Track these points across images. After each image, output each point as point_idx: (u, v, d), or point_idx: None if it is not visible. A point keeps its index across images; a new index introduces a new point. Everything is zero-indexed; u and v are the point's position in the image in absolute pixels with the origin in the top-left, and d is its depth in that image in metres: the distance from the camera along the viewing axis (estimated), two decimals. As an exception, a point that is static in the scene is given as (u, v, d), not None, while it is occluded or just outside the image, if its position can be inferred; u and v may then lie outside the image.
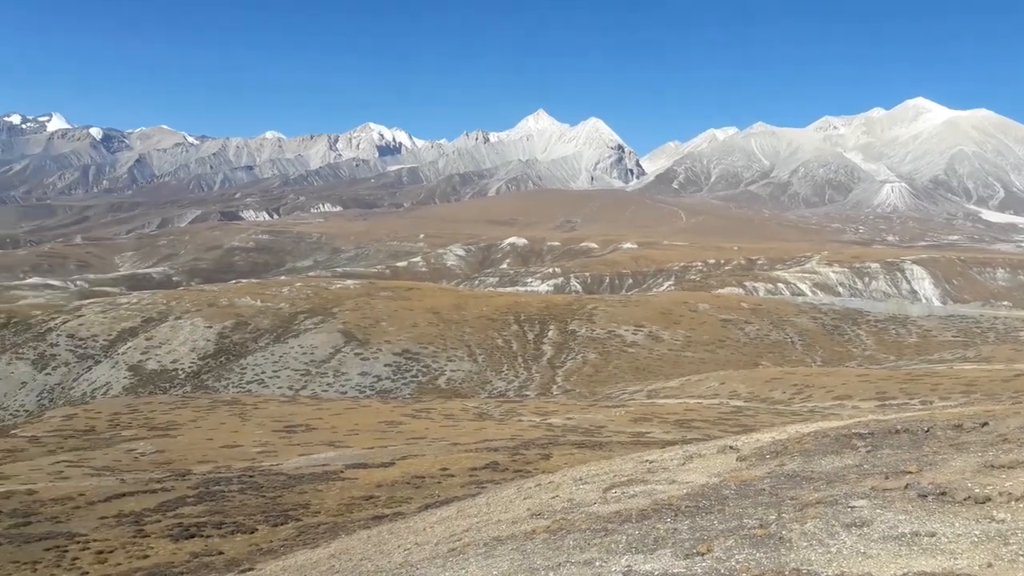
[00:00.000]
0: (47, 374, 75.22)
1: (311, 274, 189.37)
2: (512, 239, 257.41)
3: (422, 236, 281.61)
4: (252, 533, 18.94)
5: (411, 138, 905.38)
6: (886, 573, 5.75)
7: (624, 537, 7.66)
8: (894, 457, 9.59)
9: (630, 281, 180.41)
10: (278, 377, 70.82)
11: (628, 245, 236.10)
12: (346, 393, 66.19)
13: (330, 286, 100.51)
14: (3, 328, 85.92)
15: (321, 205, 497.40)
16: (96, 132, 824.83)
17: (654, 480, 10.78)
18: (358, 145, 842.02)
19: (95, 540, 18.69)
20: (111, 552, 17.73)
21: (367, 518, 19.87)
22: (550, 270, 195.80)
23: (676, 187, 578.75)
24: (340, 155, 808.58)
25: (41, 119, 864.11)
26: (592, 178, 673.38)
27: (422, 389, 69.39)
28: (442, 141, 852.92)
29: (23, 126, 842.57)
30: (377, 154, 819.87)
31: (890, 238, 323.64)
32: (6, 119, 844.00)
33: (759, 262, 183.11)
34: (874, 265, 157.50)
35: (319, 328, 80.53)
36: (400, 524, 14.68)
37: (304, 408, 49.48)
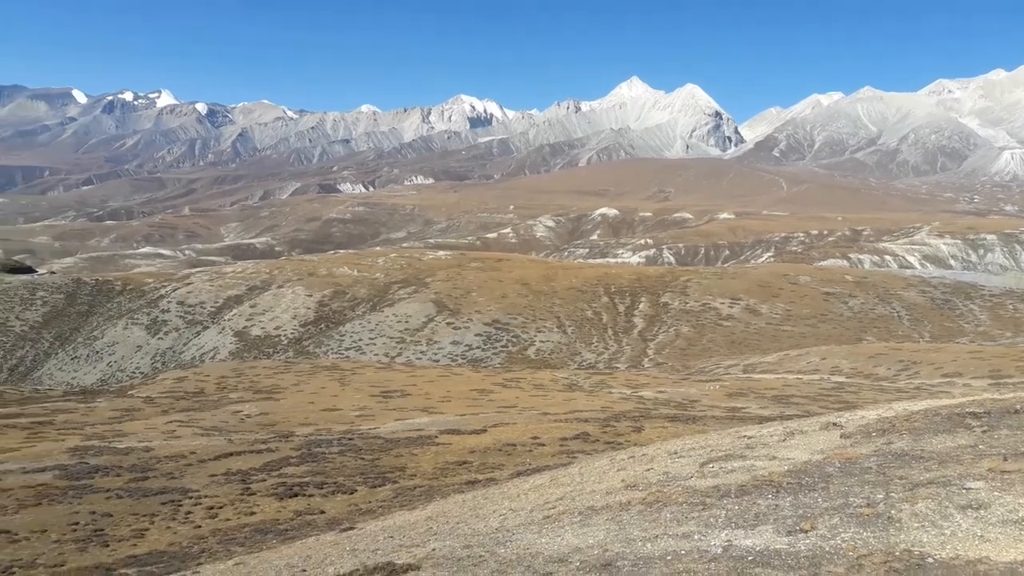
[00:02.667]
0: (159, 339, 79.68)
1: (404, 245, 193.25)
2: (603, 210, 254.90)
3: (512, 207, 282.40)
4: (352, 494, 19.61)
5: (502, 109, 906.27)
6: (1005, 558, 5.45)
7: (723, 512, 7.54)
8: (1013, 438, 9.04)
9: (726, 252, 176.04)
10: (374, 344, 72.81)
11: (725, 215, 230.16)
12: (438, 361, 67.49)
13: (423, 257, 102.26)
14: (120, 295, 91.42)
15: (414, 177, 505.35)
16: (202, 107, 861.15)
17: (753, 456, 10.53)
18: (450, 117, 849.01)
19: (206, 496, 19.76)
20: (221, 508, 18.71)
21: (461, 483, 20.23)
22: (642, 241, 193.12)
23: (777, 155, 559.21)
24: (432, 127, 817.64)
25: (151, 95, 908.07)
26: (687, 146, 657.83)
27: (512, 359, 70.02)
28: (533, 111, 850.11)
29: (135, 103, 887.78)
30: (468, 126, 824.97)
31: (1008, 208, 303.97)
32: (120, 96, 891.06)
33: (865, 233, 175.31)
34: (990, 237, 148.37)
35: (412, 298, 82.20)
36: (494, 490, 14.88)
37: (399, 374, 50.73)
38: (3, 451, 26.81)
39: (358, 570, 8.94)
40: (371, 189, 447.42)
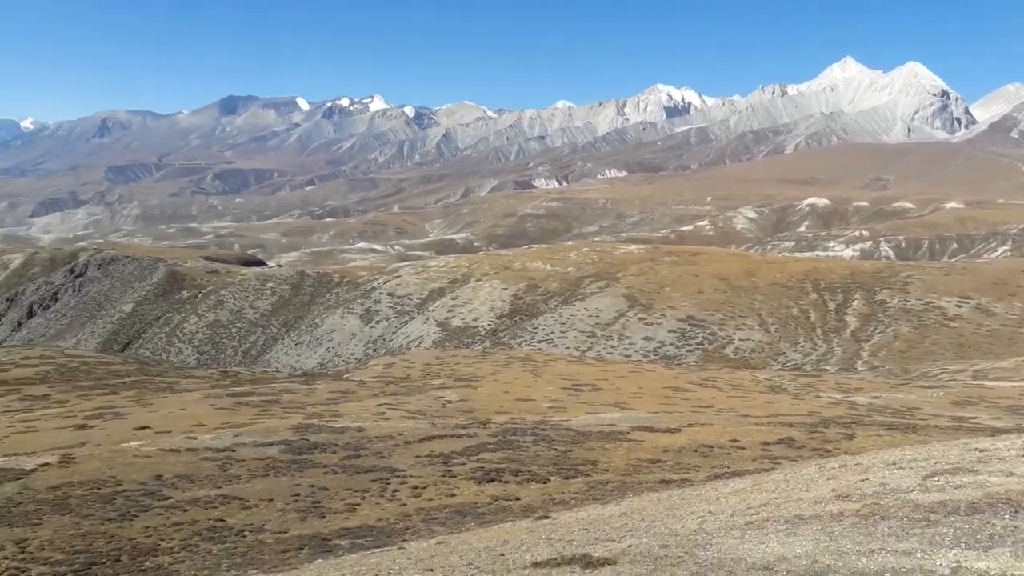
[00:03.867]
0: (371, 327, 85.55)
1: (596, 239, 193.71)
2: (811, 199, 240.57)
3: (709, 199, 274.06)
4: (545, 483, 19.90)
5: (700, 97, 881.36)
6: None
7: (951, 530, 6.86)
8: None
9: (954, 246, 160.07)
10: (566, 337, 73.60)
11: (952, 205, 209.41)
12: (630, 356, 66.93)
13: (615, 251, 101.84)
14: (337, 286, 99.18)
15: (607, 170, 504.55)
16: (409, 111, 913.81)
17: (986, 471, 9.43)
18: (645, 108, 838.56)
19: (411, 476, 20.88)
20: (424, 488, 19.69)
21: (654, 481, 19.90)
22: (856, 233, 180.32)
23: (1016, 136, 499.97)
24: (627, 119, 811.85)
25: (365, 101, 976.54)
26: (909, 129, 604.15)
27: (708, 357, 67.91)
28: (734, 98, 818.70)
29: (350, 108, 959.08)
30: (664, 116, 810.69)
31: None
32: (337, 103, 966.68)
33: None
34: None
35: (604, 292, 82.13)
36: (690, 491, 14.46)
37: (590, 368, 50.87)
38: (237, 425, 29.95)
39: (555, 559, 9.00)
40: (564, 184, 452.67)
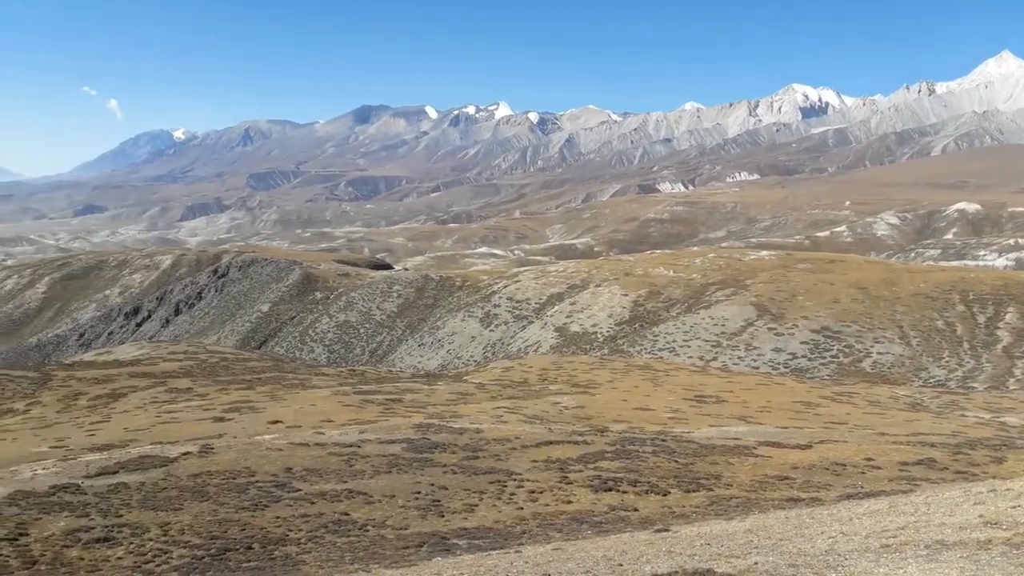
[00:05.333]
0: (490, 331, 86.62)
1: (723, 245, 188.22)
2: (960, 204, 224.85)
3: (847, 203, 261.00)
4: (665, 495, 19.40)
5: (839, 96, 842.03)
6: None
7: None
8: None
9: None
10: (688, 347, 71.84)
11: None
12: (758, 368, 64.51)
13: (743, 257, 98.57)
14: (459, 290, 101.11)
15: (737, 174, 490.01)
16: (533, 116, 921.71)
17: None
18: (779, 109, 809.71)
19: (528, 480, 20.87)
20: (541, 493, 19.63)
21: (781, 499, 19.06)
22: (1011, 241, 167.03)
23: None
24: (759, 120, 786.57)
25: (490, 108, 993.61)
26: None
27: (843, 371, 64.48)
28: (876, 97, 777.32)
29: (476, 115, 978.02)
30: (800, 116, 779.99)
31: None
32: (464, 110, 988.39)
33: None
34: None
35: (731, 300, 79.60)
36: (821, 510, 13.71)
37: (714, 379, 49.39)
38: (363, 422, 30.97)
39: (675, 572, 8.78)
40: (691, 188, 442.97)
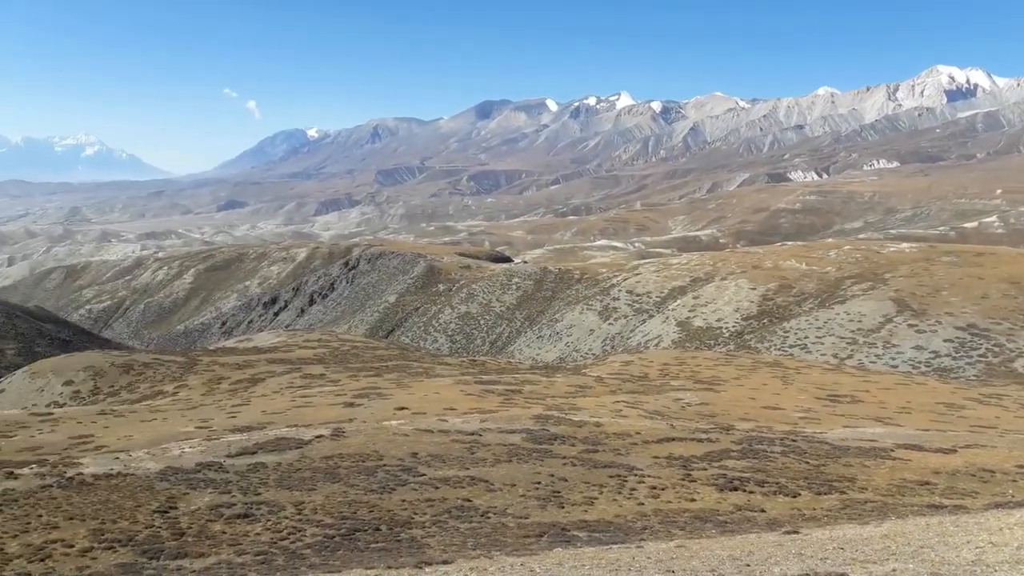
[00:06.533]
0: (609, 324, 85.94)
1: (860, 236, 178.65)
2: None
3: (999, 191, 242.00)
4: (794, 497, 18.66)
5: (990, 77, 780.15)
6: None
7: None
8: None
9: None
10: (821, 343, 68.68)
11: None
12: (896, 367, 60.89)
13: (882, 250, 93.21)
14: (577, 283, 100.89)
15: (875, 161, 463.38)
16: (656, 105, 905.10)
17: None
18: (922, 92, 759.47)
19: (649, 476, 20.58)
20: (663, 490, 19.31)
21: (921, 505, 17.96)
22: None
23: None
24: (900, 105, 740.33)
25: (611, 98, 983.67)
26: None
27: (992, 371, 59.85)
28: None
29: (597, 106, 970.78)
30: (945, 100, 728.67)
31: None
32: (584, 102, 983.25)
33: None
34: None
35: (868, 295, 75.47)
36: (966, 519, 12.82)
37: (849, 378, 47.07)
38: (484, 411, 31.48)
39: (807, 575, 8.48)
40: (824, 176, 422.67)
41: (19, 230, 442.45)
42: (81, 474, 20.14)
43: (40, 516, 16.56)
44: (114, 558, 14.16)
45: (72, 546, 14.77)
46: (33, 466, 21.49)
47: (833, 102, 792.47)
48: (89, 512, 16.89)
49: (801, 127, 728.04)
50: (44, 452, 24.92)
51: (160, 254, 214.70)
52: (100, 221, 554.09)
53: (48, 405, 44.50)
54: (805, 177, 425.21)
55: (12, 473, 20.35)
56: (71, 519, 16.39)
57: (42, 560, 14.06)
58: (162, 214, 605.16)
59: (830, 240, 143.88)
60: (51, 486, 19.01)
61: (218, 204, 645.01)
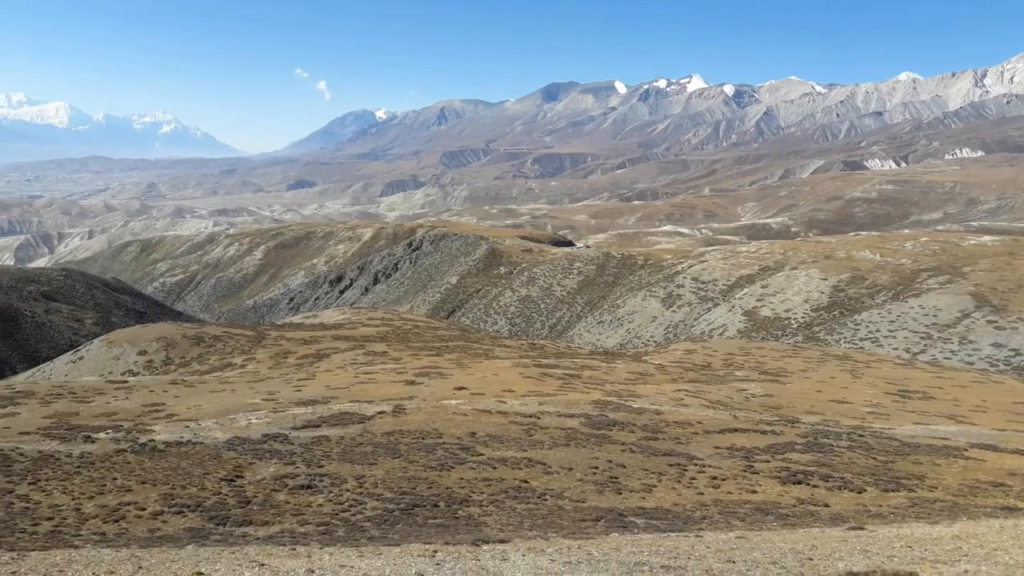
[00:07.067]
0: (672, 311, 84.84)
1: (939, 228, 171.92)
2: None
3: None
4: (860, 493, 18.14)
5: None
6: None
7: None
8: None
9: None
10: (893, 337, 66.47)
11: None
12: (973, 364, 58.54)
13: (961, 242, 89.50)
14: (640, 269, 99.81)
15: (957, 150, 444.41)
16: (728, 89, 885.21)
17: None
18: (1011, 78, 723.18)
19: (709, 466, 20.27)
20: (723, 480, 19.00)
21: (995, 506, 17.26)
22: None
23: None
24: (987, 92, 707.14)
25: (682, 81, 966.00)
26: None
27: (1077, 371, 57.00)
28: None
29: (667, 89, 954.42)
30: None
31: None
32: (654, 84, 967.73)
33: None
34: None
35: (944, 288, 72.66)
36: (1046, 525, 12.24)
37: (921, 374, 45.47)
38: (542, 395, 31.48)
39: (873, 572, 8.26)
40: (903, 165, 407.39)
41: (99, 204, 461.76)
42: (153, 441, 20.92)
43: (115, 479, 17.27)
44: (183, 522, 14.67)
45: (144, 509, 15.36)
46: (109, 431, 22.43)
47: (915, 88, 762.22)
48: (160, 477, 17.54)
49: (880, 113, 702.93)
50: (119, 418, 25.98)
51: (231, 230, 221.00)
52: (175, 197, 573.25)
53: (123, 373, 46.38)
54: (882, 165, 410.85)
55: (90, 437, 21.27)
56: (143, 483, 17.05)
57: (116, 521, 14.65)
58: (234, 191, 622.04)
59: (907, 231, 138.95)
60: (125, 451, 19.81)
61: (288, 183, 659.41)
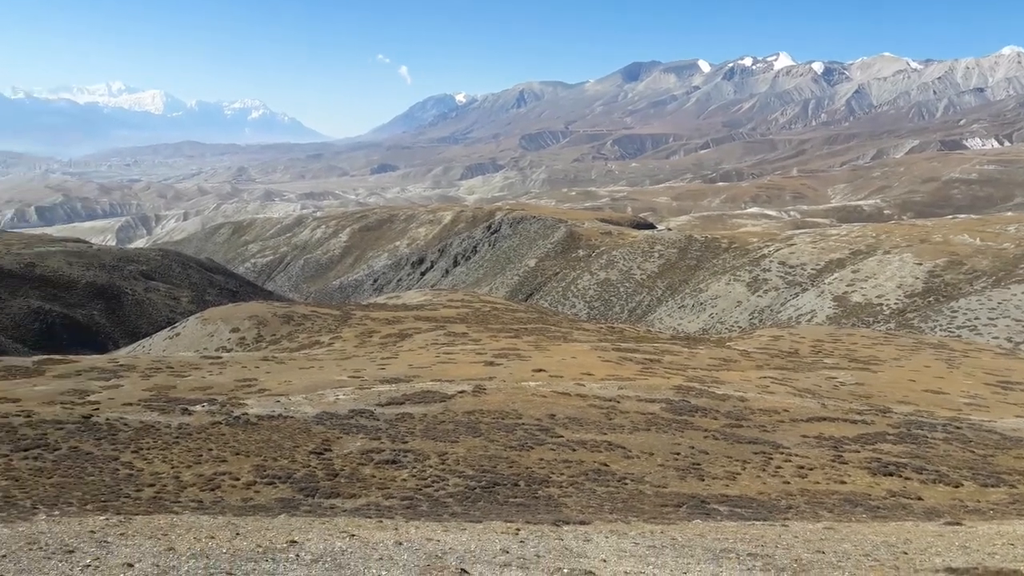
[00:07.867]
0: (758, 296, 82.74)
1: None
2: None
3: None
4: (956, 487, 17.38)
5: None
6: None
7: None
8: None
9: None
10: (994, 326, 63.16)
11: None
12: (1083, 354, 55.07)
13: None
14: (725, 252, 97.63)
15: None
16: (818, 66, 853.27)
17: None
18: None
19: (796, 455, 19.77)
20: (811, 470, 18.50)
21: (1108, 508, 16.22)
22: None
23: None
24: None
25: (769, 59, 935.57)
26: None
27: None
28: None
29: (753, 67, 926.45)
30: None
31: None
32: (740, 62, 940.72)
33: None
34: None
35: (1052, 274, 68.52)
36: None
37: (1025, 364, 43.06)
38: (622, 379, 31.27)
39: (975, 569, 7.91)
40: (1006, 144, 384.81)
41: (193, 187, 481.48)
42: (246, 414, 21.79)
43: (211, 450, 18.08)
44: (275, 493, 15.25)
45: (238, 479, 16.04)
46: (204, 404, 23.48)
47: (1020, 62, 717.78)
48: (253, 449, 18.27)
49: (981, 90, 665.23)
50: (213, 392, 27.14)
51: (318, 213, 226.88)
52: (264, 181, 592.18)
53: (217, 349, 48.40)
54: (984, 144, 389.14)
55: (187, 410, 22.32)
56: (237, 454, 17.79)
57: (212, 490, 15.35)
58: (320, 176, 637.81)
59: (1009, 214, 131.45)
60: (220, 423, 20.70)
61: (371, 167, 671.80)
